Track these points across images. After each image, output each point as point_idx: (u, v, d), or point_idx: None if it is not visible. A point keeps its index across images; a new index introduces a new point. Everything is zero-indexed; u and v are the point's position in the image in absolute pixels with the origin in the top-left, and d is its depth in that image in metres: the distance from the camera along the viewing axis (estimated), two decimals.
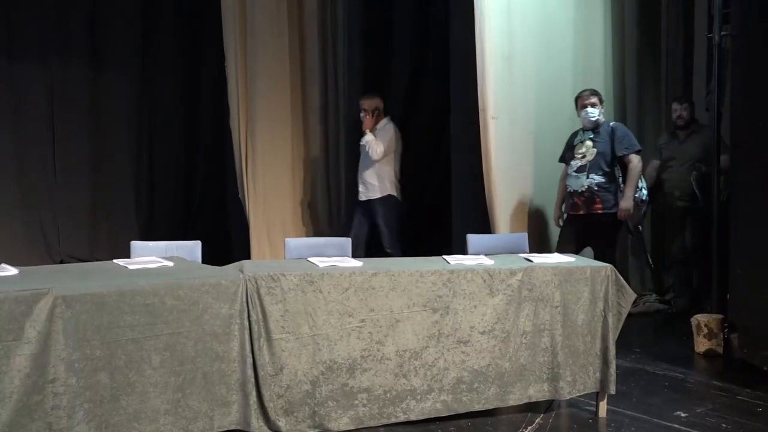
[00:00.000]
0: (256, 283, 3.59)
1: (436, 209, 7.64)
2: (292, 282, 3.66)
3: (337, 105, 7.34)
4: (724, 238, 5.58)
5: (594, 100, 5.82)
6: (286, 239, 4.66)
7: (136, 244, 4.43)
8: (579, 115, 5.92)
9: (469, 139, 6.33)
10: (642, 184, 5.83)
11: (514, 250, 4.63)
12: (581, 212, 5.76)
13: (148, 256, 4.07)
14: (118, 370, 3.26)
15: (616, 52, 6.76)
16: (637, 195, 5.75)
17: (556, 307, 4.09)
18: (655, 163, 6.69)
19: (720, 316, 5.47)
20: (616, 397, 4.33)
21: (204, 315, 3.45)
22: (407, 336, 3.85)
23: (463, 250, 5.02)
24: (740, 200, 5.14)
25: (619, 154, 5.73)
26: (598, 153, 5.74)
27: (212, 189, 8.23)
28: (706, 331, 5.45)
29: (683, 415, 4.28)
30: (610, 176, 5.74)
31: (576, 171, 5.80)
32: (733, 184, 5.33)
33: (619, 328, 4.26)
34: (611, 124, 5.87)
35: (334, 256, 4.21)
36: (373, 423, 3.81)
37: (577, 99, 5.94)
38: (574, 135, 6.00)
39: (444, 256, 4.26)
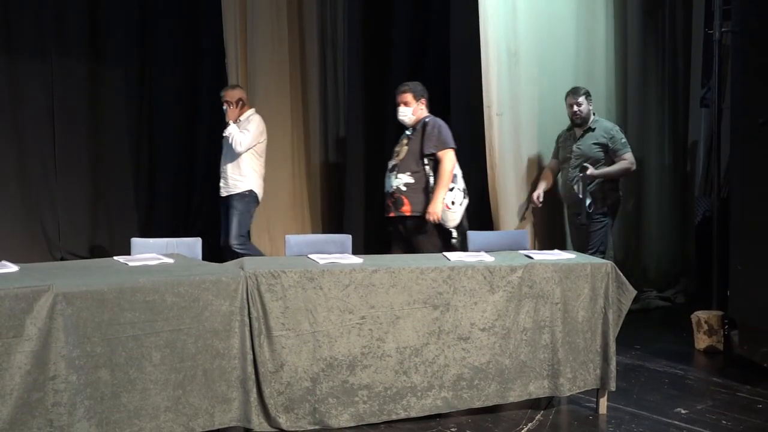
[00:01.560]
0: (256, 279, 3.59)
1: None
2: (293, 279, 3.66)
3: (337, 102, 7.35)
4: (724, 235, 5.59)
5: (407, 98, 5.34)
6: (287, 236, 4.66)
7: (136, 241, 4.43)
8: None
9: (469, 136, 6.33)
10: (459, 185, 5.27)
11: (515, 247, 4.63)
12: (392, 214, 5.33)
13: (149, 253, 4.06)
14: (118, 367, 3.26)
15: (618, 49, 6.75)
16: (446, 197, 5.18)
17: (557, 303, 4.09)
18: (552, 163, 6.10)
19: (720, 313, 5.48)
20: (617, 393, 4.33)
21: (204, 312, 3.45)
22: (407, 333, 3.85)
23: (463, 246, 5.02)
24: (740, 197, 5.14)
25: (427, 152, 5.22)
26: (409, 151, 5.30)
27: (212, 186, 8.22)
28: (706, 327, 5.45)
29: (683, 411, 4.28)
30: (420, 176, 5.25)
31: (389, 170, 5.38)
32: (733, 180, 5.33)
33: (620, 325, 4.26)
34: (426, 119, 5.34)
35: (335, 253, 4.20)
36: (373, 420, 3.81)
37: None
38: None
39: (444, 253, 4.26)
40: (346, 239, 4.67)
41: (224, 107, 6.12)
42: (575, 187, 5.74)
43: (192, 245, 4.44)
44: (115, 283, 3.30)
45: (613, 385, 4.20)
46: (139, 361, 3.31)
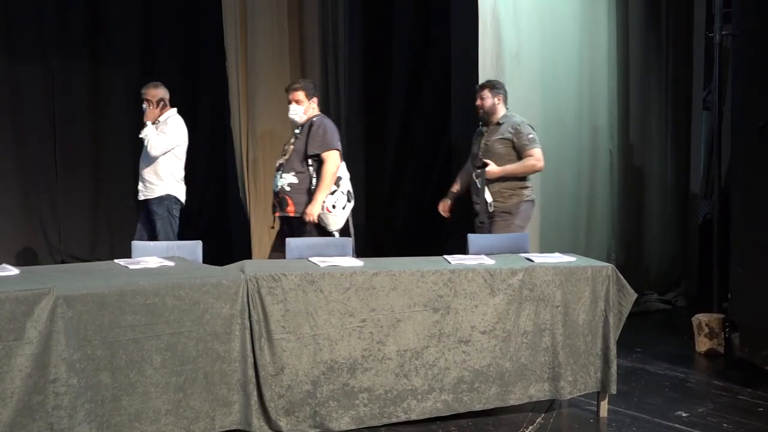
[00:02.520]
0: (257, 282, 3.59)
1: (436, 209, 7.64)
2: (293, 282, 3.66)
3: (338, 105, 7.33)
4: (724, 238, 5.59)
5: (299, 96, 5.26)
6: (287, 239, 4.65)
7: (137, 244, 4.43)
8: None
9: (470, 139, 6.33)
10: (343, 187, 5.21)
11: (515, 250, 4.63)
12: (277, 213, 5.29)
13: (149, 256, 4.06)
14: (119, 370, 3.27)
15: (620, 51, 6.76)
16: (327, 200, 5.12)
17: (557, 306, 4.09)
18: (468, 164, 5.76)
19: (721, 316, 5.48)
20: (617, 396, 4.33)
21: (205, 315, 3.46)
22: (408, 336, 3.85)
23: (463, 249, 5.02)
24: (740, 200, 5.14)
25: (311, 153, 5.16)
26: (294, 151, 5.23)
27: (213, 189, 8.22)
28: (707, 330, 5.45)
29: (684, 414, 4.28)
30: (304, 176, 5.19)
31: (276, 169, 5.31)
32: (734, 183, 5.33)
33: (620, 328, 4.26)
34: (313, 119, 5.26)
35: (335, 256, 4.20)
36: (374, 423, 3.81)
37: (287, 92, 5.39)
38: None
39: (445, 256, 4.26)
40: (347, 242, 4.67)
41: (143, 106, 5.82)
42: (477, 182, 5.39)
43: (193, 248, 4.43)
44: (115, 286, 3.31)
45: (613, 388, 4.20)
46: (139, 364, 3.31)
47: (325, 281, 3.73)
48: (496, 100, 5.41)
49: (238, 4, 6.61)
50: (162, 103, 5.83)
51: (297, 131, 5.30)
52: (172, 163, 5.79)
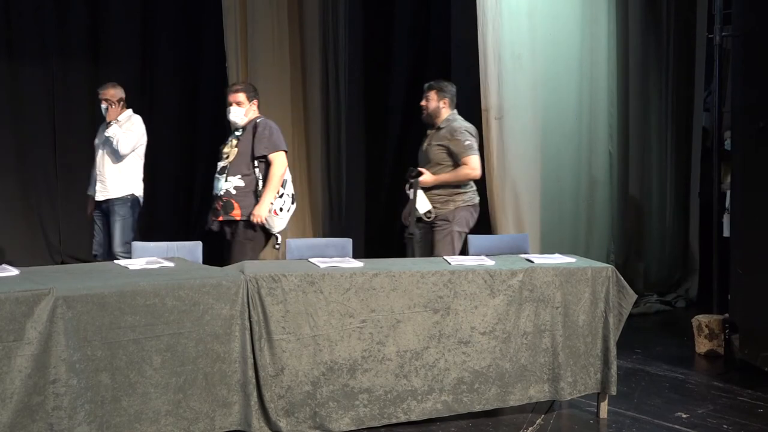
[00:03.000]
0: (257, 283, 3.59)
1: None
2: (293, 282, 3.66)
3: (339, 106, 7.34)
4: (725, 239, 5.59)
5: (240, 98, 5.14)
6: (287, 240, 4.66)
7: (136, 245, 4.43)
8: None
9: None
10: (288, 190, 5.14)
11: (515, 251, 4.63)
12: (221, 218, 5.09)
13: (149, 257, 4.07)
14: (119, 370, 3.26)
15: (620, 51, 6.76)
16: (274, 202, 5.05)
17: (557, 307, 4.09)
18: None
19: (721, 317, 5.47)
20: (617, 397, 4.33)
21: (205, 316, 3.45)
22: (408, 336, 3.85)
23: (463, 250, 5.02)
24: (741, 201, 5.14)
25: (258, 154, 5.06)
26: (239, 153, 5.09)
27: (213, 189, 8.22)
28: (707, 331, 5.45)
29: (684, 416, 4.28)
30: (251, 179, 5.07)
31: (218, 173, 5.14)
32: (734, 184, 5.33)
33: (620, 329, 4.26)
34: (257, 120, 5.16)
35: (335, 257, 4.20)
36: (374, 423, 3.81)
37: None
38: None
39: (445, 257, 4.26)
40: (347, 243, 4.67)
41: (103, 106, 5.79)
42: (409, 192, 5.21)
43: (193, 249, 4.44)
44: (115, 287, 3.30)
45: (613, 389, 4.20)
46: (139, 365, 3.31)
47: (325, 282, 3.73)
48: (441, 103, 5.26)
49: (239, 6, 6.63)
50: (121, 102, 5.82)
51: (238, 133, 5.17)
52: (135, 162, 5.77)
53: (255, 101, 5.21)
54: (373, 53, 7.58)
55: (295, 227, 7.04)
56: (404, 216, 5.20)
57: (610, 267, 4.25)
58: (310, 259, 4.07)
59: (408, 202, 5.17)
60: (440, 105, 5.27)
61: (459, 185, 5.18)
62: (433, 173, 5.15)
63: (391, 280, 3.82)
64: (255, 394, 3.56)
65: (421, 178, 5.13)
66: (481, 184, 5.91)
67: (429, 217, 5.12)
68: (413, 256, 5.13)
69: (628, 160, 6.94)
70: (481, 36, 5.71)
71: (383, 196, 7.70)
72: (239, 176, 5.06)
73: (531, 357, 4.06)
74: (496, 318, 3.99)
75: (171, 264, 3.82)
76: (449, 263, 4.11)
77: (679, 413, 4.31)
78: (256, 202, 5.01)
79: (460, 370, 3.93)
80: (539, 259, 4.30)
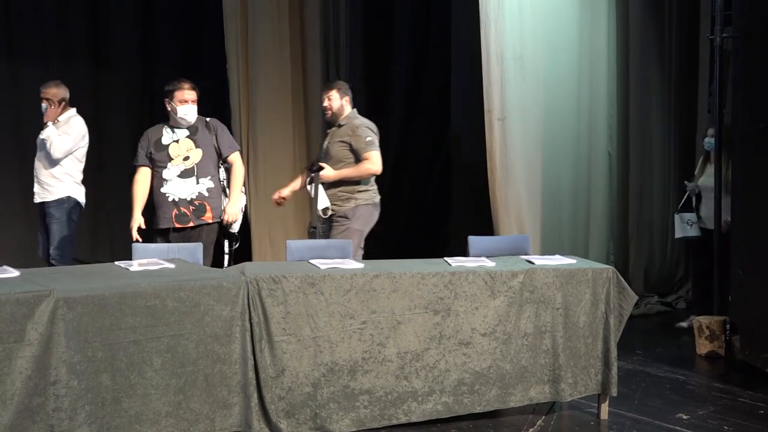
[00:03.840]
0: (257, 285, 3.59)
1: (436, 211, 7.65)
2: (294, 284, 3.66)
3: None
4: (725, 240, 5.58)
5: (195, 96, 5.06)
6: (288, 241, 4.65)
7: (137, 246, 4.43)
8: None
9: (471, 141, 6.34)
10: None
11: (516, 252, 4.62)
12: (191, 224, 4.94)
13: (150, 258, 4.06)
14: (119, 372, 3.27)
15: (620, 53, 6.76)
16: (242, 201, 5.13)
17: (558, 309, 4.09)
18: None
19: (722, 318, 5.47)
20: (618, 399, 4.33)
21: (205, 317, 3.46)
22: (408, 338, 3.85)
23: (464, 251, 5.02)
24: (741, 202, 5.14)
25: (226, 154, 5.06)
26: (205, 154, 4.99)
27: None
28: (707, 333, 5.44)
29: (685, 417, 4.27)
30: (217, 180, 5.05)
31: (182, 175, 4.93)
32: (734, 185, 5.33)
33: (621, 330, 4.26)
34: (207, 120, 5.13)
35: (336, 258, 4.20)
36: (374, 425, 3.81)
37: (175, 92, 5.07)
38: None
39: (445, 258, 4.26)
40: (347, 244, 4.66)
41: (43, 106, 5.55)
42: (309, 188, 5.19)
43: (193, 251, 4.43)
44: (116, 288, 3.31)
45: (614, 391, 4.19)
46: (140, 366, 3.31)
47: (326, 283, 3.73)
48: (344, 101, 5.26)
49: (239, 7, 6.63)
50: (63, 102, 5.59)
51: (188, 133, 5.01)
52: (72, 165, 5.60)
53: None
54: (374, 54, 7.58)
55: (296, 228, 7.04)
56: (312, 216, 5.28)
57: (610, 268, 4.25)
58: (311, 261, 4.07)
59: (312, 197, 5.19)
60: (343, 103, 5.26)
61: (361, 183, 5.18)
62: (335, 169, 5.14)
63: (392, 281, 3.82)
64: (255, 395, 3.56)
65: (322, 173, 5.11)
66: (482, 185, 5.92)
67: (326, 214, 5.11)
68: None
69: (628, 161, 6.93)
70: (483, 37, 5.70)
71: (384, 197, 7.69)
72: (209, 177, 4.97)
73: (531, 358, 4.06)
74: (496, 319, 3.98)
75: (171, 265, 3.82)
76: (450, 264, 4.10)
77: (679, 414, 4.31)
78: (221, 203, 4.97)
79: (461, 371, 3.93)
80: (540, 260, 4.30)
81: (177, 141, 4.97)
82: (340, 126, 5.24)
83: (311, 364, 3.68)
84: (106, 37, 7.69)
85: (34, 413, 3.06)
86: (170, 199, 4.92)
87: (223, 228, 5.01)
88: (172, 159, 4.93)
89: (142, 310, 3.32)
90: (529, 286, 4.04)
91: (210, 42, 7.67)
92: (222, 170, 5.05)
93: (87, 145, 5.73)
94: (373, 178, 5.25)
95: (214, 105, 8.09)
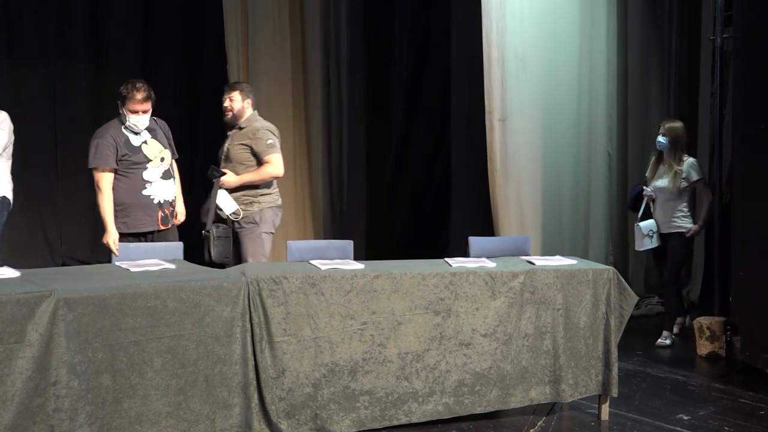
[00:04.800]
0: (257, 285, 3.59)
1: (436, 212, 7.64)
2: (294, 284, 3.66)
3: (340, 107, 7.34)
4: (726, 241, 5.58)
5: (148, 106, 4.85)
6: (288, 242, 4.64)
7: (120, 246, 4.41)
8: None
9: (471, 141, 6.33)
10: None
11: (516, 253, 4.62)
12: (178, 221, 4.97)
13: (150, 259, 4.06)
14: (119, 372, 3.27)
15: (620, 54, 6.76)
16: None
17: (558, 309, 4.09)
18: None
19: (722, 319, 5.47)
20: (618, 399, 4.33)
21: (206, 317, 3.45)
22: (409, 338, 3.85)
23: (464, 252, 5.02)
24: (742, 203, 5.14)
25: (175, 156, 5.08)
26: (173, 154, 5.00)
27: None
28: (708, 333, 5.44)
29: (685, 417, 4.27)
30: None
31: (164, 177, 4.86)
32: (735, 186, 5.32)
33: (621, 331, 4.26)
34: (155, 119, 5.03)
35: (336, 259, 4.20)
36: (375, 425, 3.80)
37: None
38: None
39: (445, 259, 4.26)
40: (348, 245, 4.65)
41: None
42: (213, 193, 5.06)
43: (174, 250, 4.40)
44: (116, 289, 3.31)
45: (615, 391, 4.19)
46: (140, 367, 3.31)
47: (326, 284, 3.73)
48: (245, 103, 5.18)
49: (240, 8, 6.63)
50: None
51: (150, 134, 4.89)
52: (3, 164, 5.46)
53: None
54: (374, 53, 7.58)
55: (296, 229, 7.05)
56: (203, 212, 5.14)
57: (611, 269, 4.25)
58: (311, 261, 4.07)
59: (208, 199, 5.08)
60: (245, 105, 5.19)
61: (263, 186, 5.12)
62: (236, 173, 5.07)
63: (392, 282, 3.82)
64: (256, 396, 3.56)
65: (223, 179, 5.04)
66: (483, 185, 5.91)
67: (237, 217, 5.04)
68: (209, 253, 4.97)
69: (627, 161, 6.93)
70: (485, 38, 5.70)
71: (385, 197, 7.70)
72: (173, 179, 4.97)
73: (532, 359, 4.06)
74: (497, 320, 3.98)
75: (172, 266, 3.82)
76: (450, 265, 4.10)
77: (680, 415, 4.31)
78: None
79: (461, 371, 3.93)
80: (540, 260, 4.30)
81: (145, 142, 4.86)
82: (240, 128, 5.16)
83: (312, 365, 3.68)
84: (106, 38, 7.69)
85: (35, 414, 3.06)
86: (155, 201, 4.81)
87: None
88: (151, 160, 4.82)
89: (142, 310, 3.31)
90: (529, 287, 4.04)
91: (210, 42, 7.67)
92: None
93: (12, 142, 5.50)
94: (275, 181, 5.19)
95: (214, 105, 8.13)
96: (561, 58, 6.25)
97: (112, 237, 4.70)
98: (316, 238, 7.13)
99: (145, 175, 4.79)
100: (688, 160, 5.67)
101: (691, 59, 7.07)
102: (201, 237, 5.00)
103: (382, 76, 7.71)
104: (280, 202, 5.26)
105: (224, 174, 5.06)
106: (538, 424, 4.14)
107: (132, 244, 4.44)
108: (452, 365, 3.91)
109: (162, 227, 4.84)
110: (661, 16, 7.04)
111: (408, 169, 7.77)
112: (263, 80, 6.75)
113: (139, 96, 4.76)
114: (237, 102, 5.18)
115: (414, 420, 3.87)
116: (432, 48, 7.70)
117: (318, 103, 7.24)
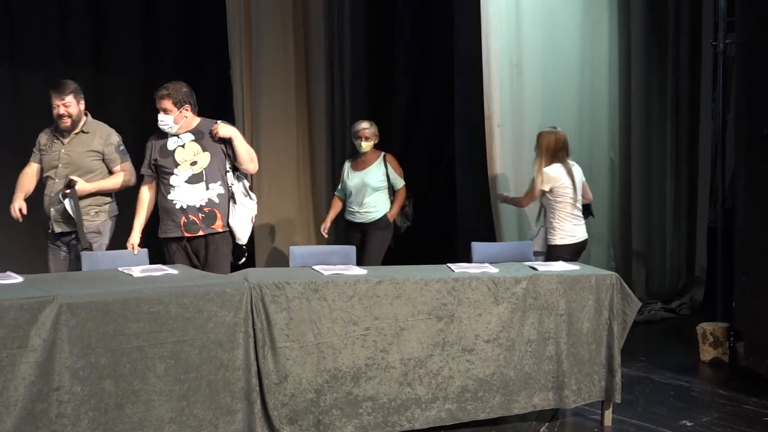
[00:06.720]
0: (260, 291, 3.59)
1: (439, 216, 7.63)
2: (297, 290, 3.66)
3: (343, 112, 7.35)
4: (729, 246, 5.57)
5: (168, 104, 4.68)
6: (291, 247, 4.65)
7: (85, 255, 4.40)
8: None
9: (474, 147, 6.33)
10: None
11: (519, 258, 4.62)
12: (201, 233, 4.66)
13: (154, 264, 4.07)
14: (122, 378, 3.27)
15: (622, 59, 6.76)
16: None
17: (561, 315, 4.08)
18: (31, 170, 5.05)
19: (725, 325, 5.46)
20: (622, 405, 4.32)
21: (208, 323, 3.45)
22: (412, 344, 3.85)
23: (467, 258, 5.01)
24: (745, 207, 5.13)
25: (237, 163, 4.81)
26: (215, 159, 4.70)
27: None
28: (711, 339, 5.43)
29: (689, 424, 4.26)
30: (226, 186, 4.74)
31: (190, 181, 4.66)
32: (738, 191, 5.32)
33: (624, 337, 4.25)
34: (216, 123, 4.85)
35: (339, 264, 4.20)
36: (377, 431, 3.80)
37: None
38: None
39: (448, 264, 4.26)
40: (351, 250, 4.66)
41: None
42: (66, 203, 4.70)
43: (140, 256, 4.41)
44: (119, 294, 3.31)
45: (618, 397, 4.19)
46: (143, 372, 3.31)
47: (329, 289, 3.72)
48: (81, 105, 4.84)
49: (243, 12, 6.64)
50: None
51: (192, 137, 4.71)
52: None
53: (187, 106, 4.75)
54: (377, 55, 7.59)
55: (299, 234, 7.05)
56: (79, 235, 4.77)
57: (614, 274, 4.24)
58: (314, 267, 4.07)
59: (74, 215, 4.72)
60: (80, 108, 4.86)
61: (109, 195, 4.92)
62: (86, 181, 4.77)
63: (395, 287, 3.82)
64: (258, 401, 3.56)
65: (78, 187, 4.70)
66: (485, 191, 5.90)
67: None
68: (56, 269, 4.78)
69: (629, 167, 6.92)
70: (484, 44, 5.71)
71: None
72: (219, 183, 4.69)
73: (535, 365, 4.05)
74: (500, 325, 3.98)
75: (175, 271, 3.83)
76: (453, 270, 4.10)
77: (683, 421, 4.30)
78: (229, 211, 4.71)
79: (464, 378, 3.92)
80: (543, 266, 4.30)
81: (183, 146, 4.70)
82: (85, 133, 4.84)
83: (314, 371, 3.68)
84: (108, 43, 7.71)
85: (37, 419, 3.06)
86: (178, 207, 4.63)
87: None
88: (179, 164, 4.65)
89: (145, 316, 3.32)
90: (532, 293, 4.04)
91: (211, 42, 7.68)
92: (230, 176, 4.73)
93: None
94: None
95: (216, 108, 8.13)
96: (562, 63, 6.25)
97: (130, 240, 4.68)
98: (319, 243, 7.13)
99: (172, 179, 4.67)
100: None
101: (693, 64, 7.07)
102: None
103: (385, 79, 7.72)
104: (117, 211, 5.00)
105: (75, 183, 4.69)
106: (541, 430, 4.14)
107: (100, 252, 4.37)
108: (455, 371, 3.91)
109: (186, 234, 4.62)
110: (663, 21, 7.03)
111: (410, 173, 7.78)
112: (266, 83, 6.76)
113: (157, 93, 4.70)
114: (73, 106, 4.79)
115: (417, 426, 3.87)
116: (434, 51, 7.71)
117: (321, 105, 7.24)
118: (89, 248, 4.70)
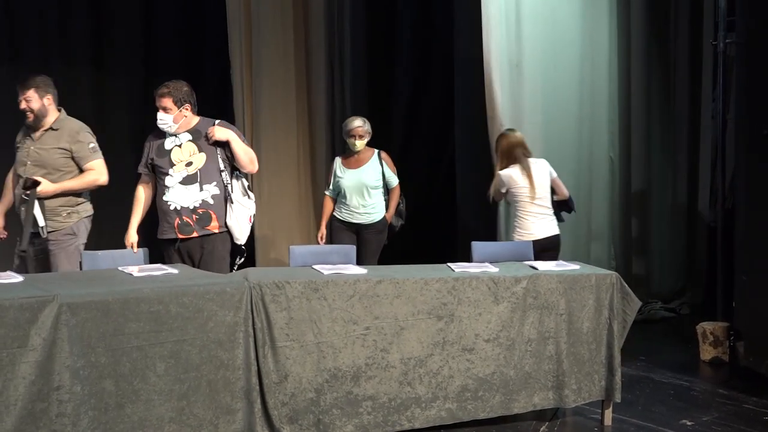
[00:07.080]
0: (260, 290, 3.59)
1: (439, 217, 7.63)
2: (297, 289, 3.66)
3: (343, 112, 7.35)
4: (729, 246, 5.57)
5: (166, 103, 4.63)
6: (291, 246, 4.65)
7: (86, 254, 4.39)
8: None
9: (474, 147, 6.33)
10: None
11: (519, 258, 4.62)
12: (195, 234, 4.59)
13: (154, 264, 4.07)
14: (122, 377, 3.27)
15: (622, 59, 6.76)
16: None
17: (561, 314, 4.08)
18: (14, 170, 4.83)
19: (726, 324, 5.46)
20: (622, 405, 4.32)
21: (209, 322, 3.45)
22: (412, 344, 3.85)
23: (467, 257, 5.02)
24: (745, 207, 5.13)
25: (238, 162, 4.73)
26: (209, 159, 4.63)
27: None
28: (711, 338, 5.43)
29: (689, 423, 4.27)
30: (222, 186, 4.66)
31: (184, 182, 4.59)
32: (738, 191, 5.32)
33: (625, 336, 4.25)
34: (216, 122, 4.83)
35: (339, 264, 4.20)
36: (377, 431, 3.80)
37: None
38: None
39: (448, 264, 4.26)
40: (351, 250, 4.66)
41: None
42: (28, 206, 4.51)
43: (139, 257, 4.39)
44: (119, 294, 3.31)
45: (618, 397, 4.19)
46: (143, 372, 3.30)
47: (329, 289, 3.73)
48: (45, 101, 4.67)
49: (243, 12, 6.64)
50: None
51: (191, 137, 4.66)
52: None
53: (187, 105, 4.71)
54: (377, 55, 7.59)
55: (299, 234, 7.05)
56: (23, 237, 4.58)
57: (614, 274, 4.25)
58: (314, 266, 4.07)
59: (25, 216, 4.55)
60: (44, 102, 4.67)
61: (82, 195, 4.77)
62: (52, 181, 4.58)
63: (395, 287, 3.82)
64: (259, 401, 3.56)
65: (40, 189, 4.51)
66: (486, 191, 5.90)
67: (44, 234, 4.55)
68: (31, 270, 4.61)
69: (629, 166, 6.93)
70: (485, 44, 5.72)
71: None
72: (214, 183, 4.62)
73: (535, 364, 4.05)
74: (500, 325, 3.98)
75: (175, 270, 3.83)
76: (453, 270, 4.10)
77: (683, 421, 4.30)
78: (226, 212, 4.64)
79: (464, 377, 3.92)
80: (543, 266, 4.29)
81: (179, 145, 4.66)
82: (54, 130, 4.69)
83: (314, 370, 3.68)
84: (108, 43, 7.70)
85: (38, 419, 3.06)
86: (172, 208, 4.59)
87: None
88: (174, 165, 4.61)
89: (145, 315, 3.32)
90: (532, 292, 4.04)
91: (211, 42, 7.68)
92: (226, 175, 4.65)
93: None
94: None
95: (217, 108, 8.12)
96: (562, 62, 6.25)
97: (128, 238, 4.70)
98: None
99: (167, 180, 4.63)
100: None
101: (693, 64, 7.08)
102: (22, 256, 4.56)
103: (385, 79, 7.72)
104: (92, 211, 4.88)
105: (38, 183, 4.52)
106: (541, 429, 4.14)
107: (100, 252, 4.36)
108: (455, 370, 3.91)
109: (180, 235, 4.57)
110: (663, 21, 7.04)
111: (410, 173, 7.78)
112: (267, 84, 6.76)
113: (157, 92, 4.67)
114: (34, 102, 4.63)
115: (417, 426, 3.87)
116: (434, 51, 7.71)
117: (321, 105, 7.24)
118: (26, 253, 4.53)
